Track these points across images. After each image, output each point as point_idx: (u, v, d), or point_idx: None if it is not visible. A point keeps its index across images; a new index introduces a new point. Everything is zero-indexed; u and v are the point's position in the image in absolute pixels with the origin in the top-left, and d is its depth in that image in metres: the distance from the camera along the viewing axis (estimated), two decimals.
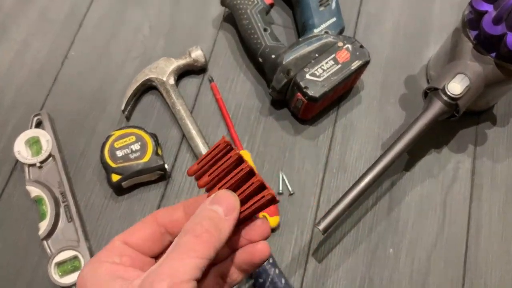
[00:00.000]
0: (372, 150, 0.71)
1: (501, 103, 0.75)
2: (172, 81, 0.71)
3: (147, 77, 0.70)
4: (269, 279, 0.59)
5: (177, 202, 0.66)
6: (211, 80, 0.74)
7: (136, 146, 0.64)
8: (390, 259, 0.65)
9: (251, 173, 0.34)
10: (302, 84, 0.65)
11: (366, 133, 0.72)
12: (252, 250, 0.34)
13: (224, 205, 0.32)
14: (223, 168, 0.34)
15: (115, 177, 0.63)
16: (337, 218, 0.55)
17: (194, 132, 0.68)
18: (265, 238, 0.35)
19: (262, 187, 0.33)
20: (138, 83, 0.70)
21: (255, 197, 0.33)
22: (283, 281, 0.60)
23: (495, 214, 0.67)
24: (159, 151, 0.66)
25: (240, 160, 0.34)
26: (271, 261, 0.61)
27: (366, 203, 0.67)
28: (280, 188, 0.67)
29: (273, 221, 0.63)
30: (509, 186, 0.69)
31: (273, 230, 0.65)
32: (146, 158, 0.64)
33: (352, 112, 0.73)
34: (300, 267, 0.63)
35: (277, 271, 0.60)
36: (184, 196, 0.67)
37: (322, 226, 0.54)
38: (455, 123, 0.66)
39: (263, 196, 0.32)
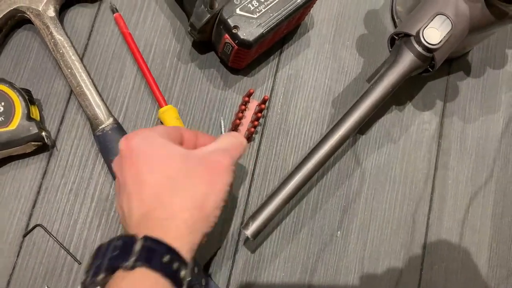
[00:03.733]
0: (321, 108, 0.56)
1: (477, 48, 0.61)
2: (52, 11, 0.51)
3: (14, 6, 0.50)
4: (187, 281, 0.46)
5: (65, 179, 0.50)
6: (114, 10, 0.54)
7: None
8: (338, 244, 0.53)
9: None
10: (230, 22, 0.47)
11: (315, 86, 0.57)
12: None
13: None
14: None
15: None
16: (272, 217, 0.41)
17: (86, 86, 0.50)
18: None
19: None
20: (1, 15, 0.49)
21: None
22: (203, 282, 0.47)
23: (462, 186, 0.57)
24: (34, 114, 0.48)
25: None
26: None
27: None
28: None
29: None
30: (480, 151, 0.58)
31: None
32: (13, 125, 0.46)
33: (297, 58, 0.57)
34: (227, 259, 0.51)
35: (196, 270, 0.47)
36: (75, 173, 0.50)
37: (250, 230, 0.41)
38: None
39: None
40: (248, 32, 0.48)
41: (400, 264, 0.53)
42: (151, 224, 0.34)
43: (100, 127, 0.49)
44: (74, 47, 0.51)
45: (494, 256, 0.55)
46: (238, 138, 0.43)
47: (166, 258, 0.32)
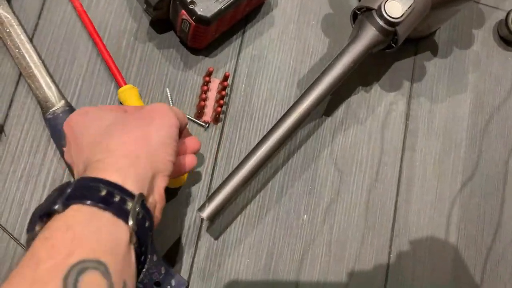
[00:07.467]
0: (286, 89, 0.55)
1: (444, 28, 0.60)
2: None
3: None
4: (144, 270, 0.44)
5: (15, 166, 0.47)
6: None
7: None
8: (304, 228, 0.52)
9: None
10: None
11: (279, 67, 0.55)
12: (182, 160, 0.41)
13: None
14: None
15: None
16: (228, 198, 0.39)
17: (35, 67, 0.47)
18: (195, 152, 0.42)
19: None
20: None
21: None
22: (162, 270, 0.45)
23: (430, 167, 0.56)
24: None
25: None
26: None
27: (276, 160, 0.52)
28: None
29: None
30: (448, 132, 0.57)
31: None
32: None
33: (261, 38, 0.55)
34: (189, 247, 0.49)
35: (154, 258, 0.45)
36: (26, 159, 0.47)
37: (206, 213, 0.39)
38: (388, 54, 0.51)
39: None
40: (206, 7, 0.46)
41: (368, 247, 0.52)
42: (90, 168, 0.33)
43: (51, 110, 0.46)
44: (22, 26, 0.48)
45: (463, 237, 0.54)
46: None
47: (103, 192, 0.31)
